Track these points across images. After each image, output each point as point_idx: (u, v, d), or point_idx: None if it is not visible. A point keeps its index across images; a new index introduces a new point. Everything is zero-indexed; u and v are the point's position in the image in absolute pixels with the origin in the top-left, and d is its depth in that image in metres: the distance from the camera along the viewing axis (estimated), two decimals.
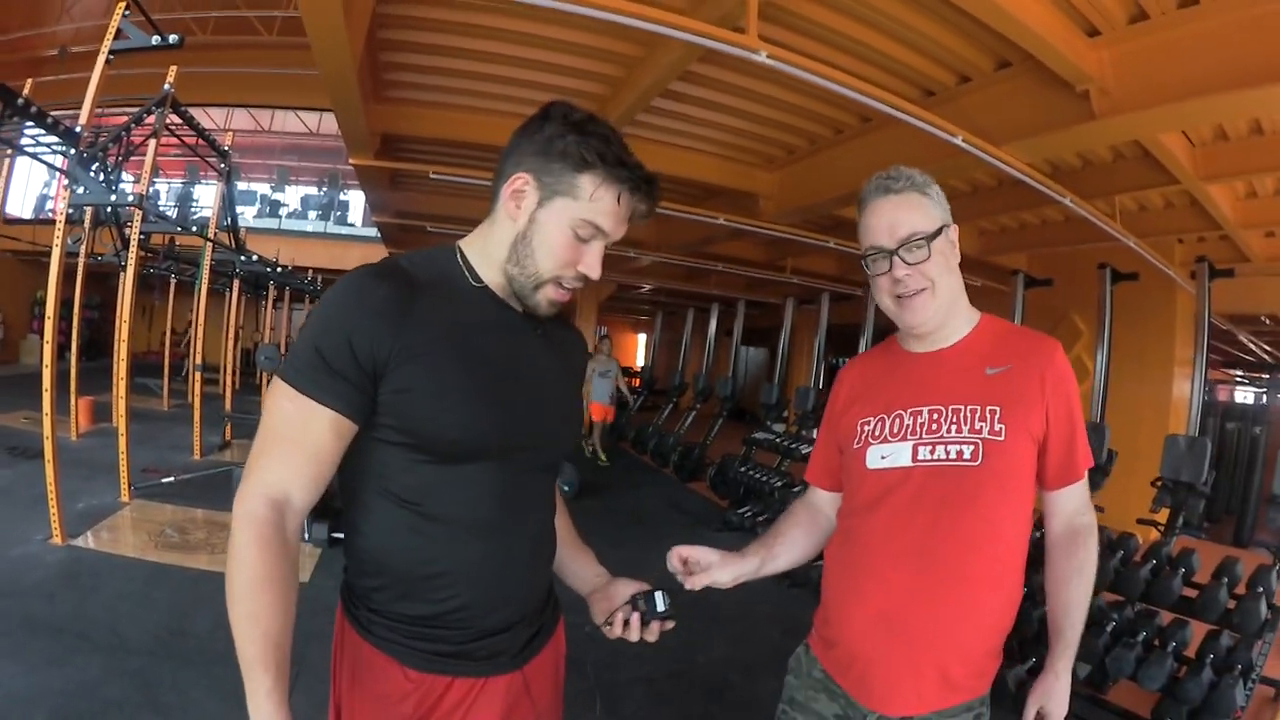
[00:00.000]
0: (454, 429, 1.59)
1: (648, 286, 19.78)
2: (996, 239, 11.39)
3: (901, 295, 2.00)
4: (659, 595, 1.93)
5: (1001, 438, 1.92)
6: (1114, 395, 7.79)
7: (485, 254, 1.74)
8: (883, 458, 2.02)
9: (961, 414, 1.97)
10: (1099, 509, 6.10)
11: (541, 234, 1.66)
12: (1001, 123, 6.11)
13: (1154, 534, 6.14)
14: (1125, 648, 4.84)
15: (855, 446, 2.09)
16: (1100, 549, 5.26)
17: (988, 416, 1.94)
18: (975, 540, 1.93)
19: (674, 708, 4.92)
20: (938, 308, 2.02)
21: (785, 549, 2.27)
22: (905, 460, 1.99)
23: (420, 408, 1.57)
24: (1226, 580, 5.04)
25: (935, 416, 1.99)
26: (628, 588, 1.99)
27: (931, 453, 1.96)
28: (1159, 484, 6.26)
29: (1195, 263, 7.56)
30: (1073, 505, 2.12)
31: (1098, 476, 6.46)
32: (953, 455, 1.94)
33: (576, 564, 2.13)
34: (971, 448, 1.93)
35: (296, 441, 1.55)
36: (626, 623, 1.92)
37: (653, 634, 1.93)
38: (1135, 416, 9.97)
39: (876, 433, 2.05)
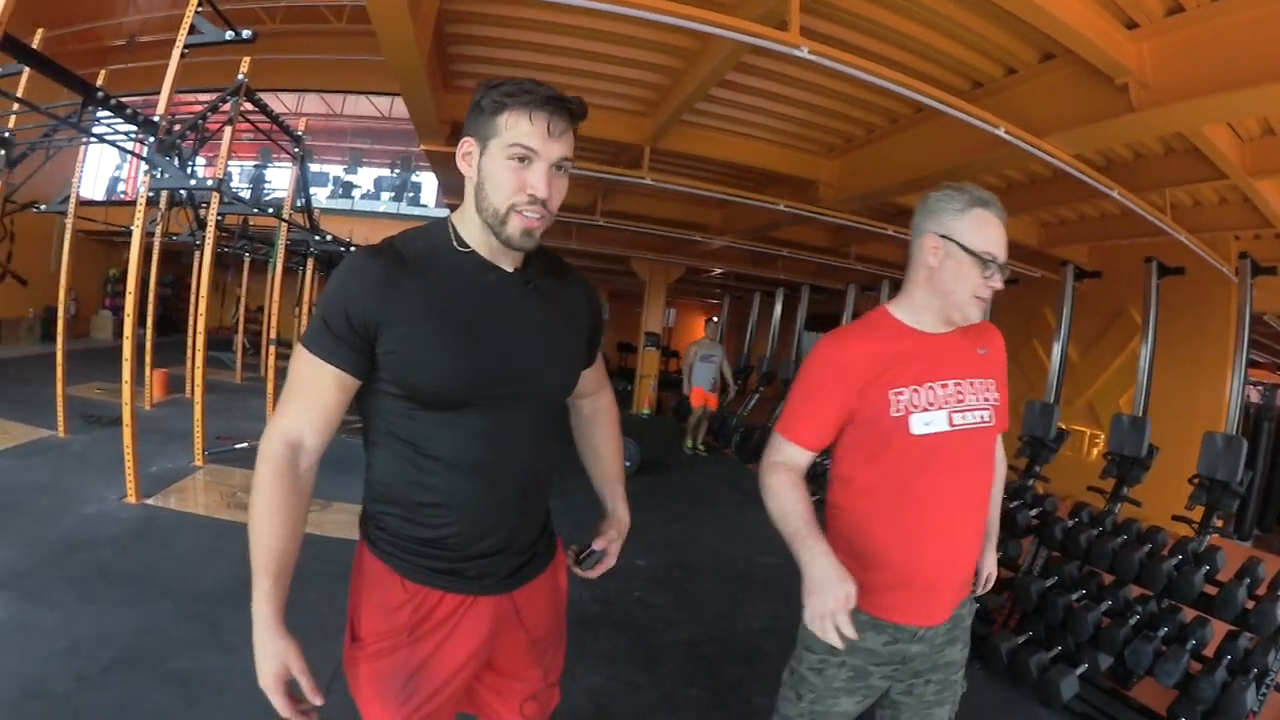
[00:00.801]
0: (433, 383, 1.87)
1: (717, 270, 19.86)
2: (1056, 231, 11.28)
3: (980, 298, 2.38)
4: (574, 550, 2.30)
5: (998, 402, 2.50)
6: (1168, 392, 7.74)
7: (465, 219, 1.97)
8: (926, 424, 2.36)
9: (975, 386, 2.45)
10: (1136, 503, 6.12)
11: (489, 175, 1.87)
12: (1046, 114, 6.10)
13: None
14: (1145, 641, 4.85)
15: (894, 415, 2.35)
16: (1129, 541, 5.36)
17: (989, 387, 2.48)
18: (989, 481, 2.57)
19: (710, 671, 5.07)
20: None
21: None
22: (944, 425, 2.37)
23: (405, 365, 1.86)
24: (1248, 580, 5.02)
25: (959, 388, 2.41)
26: (607, 526, 2.36)
27: (964, 418, 2.40)
28: (1195, 481, 6.27)
29: (1239, 259, 7.52)
30: (999, 446, 2.77)
31: (1137, 471, 6.48)
32: (979, 419, 2.44)
33: (603, 491, 2.47)
34: (988, 412, 2.46)
35: (308, 393, 1.89)
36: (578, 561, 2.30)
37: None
38: (1190, 414, 9.83)
39: (915, 402, 2.35)
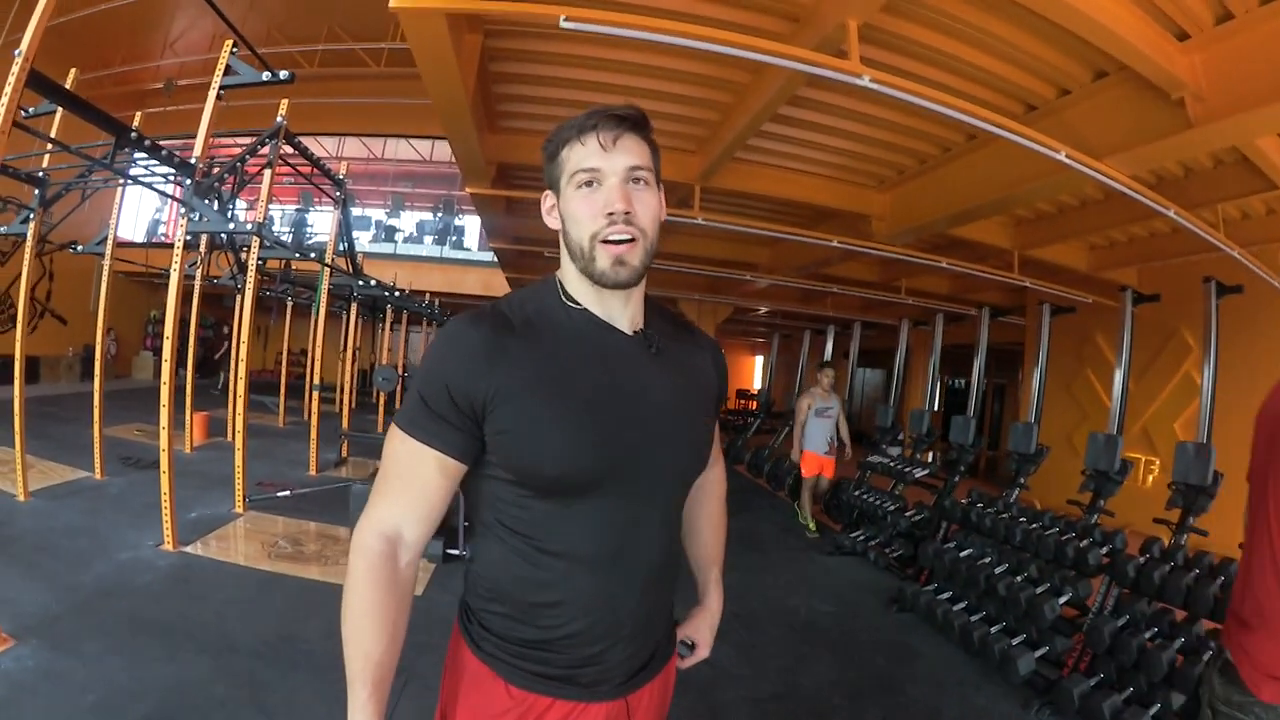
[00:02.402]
0: (553, 467, 1.63)
1: (764, 309, 19.64)
2: (1106, 254, 11.16)
3: None
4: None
5: None
6: (1220, 414, 7.54)
7: (567, 275, 1.79)
8: None
9: None
10: (1203, 533, 5.95)
11: (567, 215, 1.73)
12: (1102, 135, 5.99)
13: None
14: None
15: None
16: (1202, 575, 5.14)
17: None
18: None
19: None
20: None
21: None
22: None
23: (518, 448, 1.63)
24: None
25: None
26: (699, 614, 2.22)
27: None
28: None
29: None
30: None
31: (1203, 500, 6.26)
32: None
33: (697, 573, 2.31)
34: None
35: (407, 480, 1.68)
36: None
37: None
38: (1245, 436, 9.48)
39: None
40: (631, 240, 1.69)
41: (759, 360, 37.62)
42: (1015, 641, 5.59)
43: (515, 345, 1.65)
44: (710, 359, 2.02)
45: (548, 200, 1.80)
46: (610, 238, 1.67)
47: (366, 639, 1.62)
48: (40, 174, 8.59)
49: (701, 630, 2.14)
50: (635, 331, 1.80)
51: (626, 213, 1.67)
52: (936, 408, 13.30)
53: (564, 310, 1.76)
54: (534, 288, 1.82)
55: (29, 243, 8.25)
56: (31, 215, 8.41)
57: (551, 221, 1.80)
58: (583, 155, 1.69)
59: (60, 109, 6.90)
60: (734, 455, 16.40)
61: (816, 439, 10.73)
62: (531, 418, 1.62)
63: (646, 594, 1.80)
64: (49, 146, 7.62)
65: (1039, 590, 5.77)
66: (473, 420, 1.63)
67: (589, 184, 1.69)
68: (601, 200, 1.68)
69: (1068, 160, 5.40)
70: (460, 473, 1.69)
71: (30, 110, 6.78)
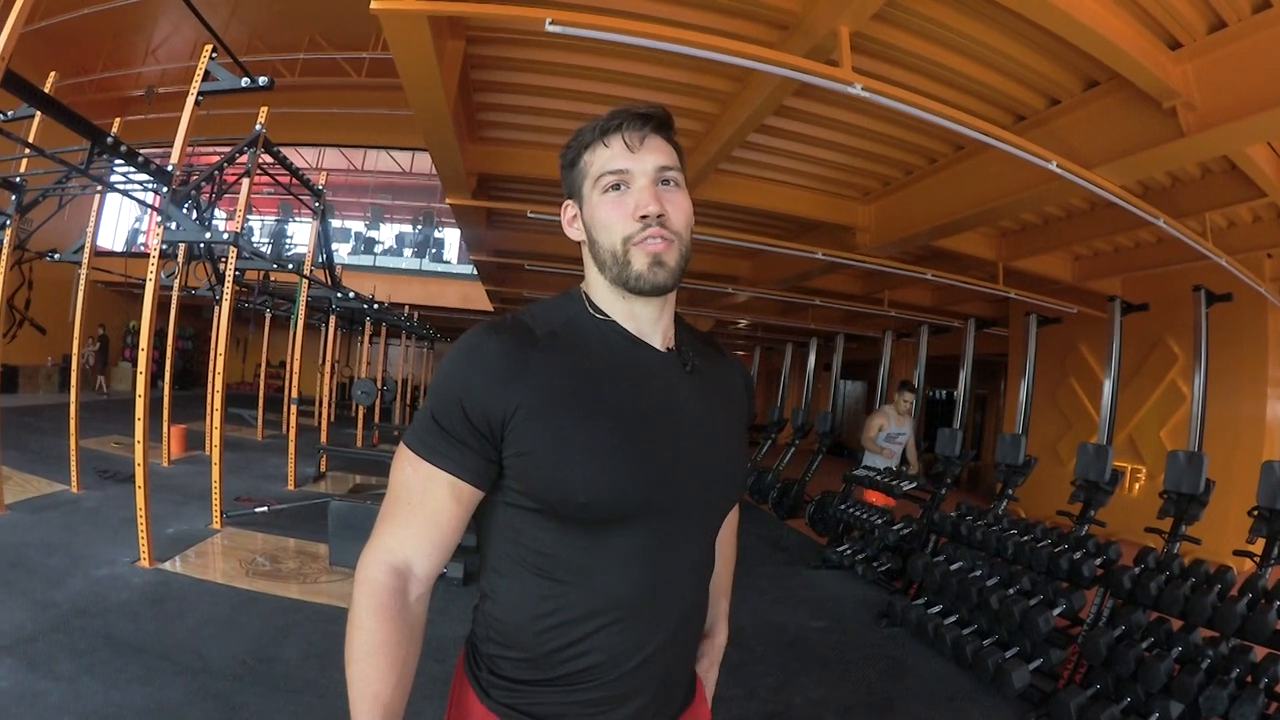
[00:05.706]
0: (584, 492, 1.47)
1: (744, 322, 19.53)
2: (1090, 264, 11.17)
3: None
4: None
5: None
6: (1207, 421, 7.55)
7: (594, 287, 1.67)
8: None
9: None
10: (1195, 541, 5.96)
11: (593, 223, 1.62)
12: (1093, 144, 5.98)
13: (1248, 564, 5.96)
14: (1219, 686, 4.58)
15: None
16: (1199, 584, 5.11)
17: None
18: None
19: None
20: None
21: None
22: None
23: (544, 471, 1.48)
24: None
25: None
26: (705, 650, 2.00)
27: None
28: (1256, 513, 6.05)
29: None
30: None
31: (1195, 508, 6.28)
32: None
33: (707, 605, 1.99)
34: None
35: (416, 507, 1.53)
36: None
37: None
38: (1230, 442, 9.75)
39: None
40: (666, 241, 1.57)
41: None
42: (1009, 654, 5.54)
43: (539, 358, 1.51)
44: (741, 381, 1.91)
45: (569, 211, 1.70)
46: (645, 240, 1.56)
47: (375, 678, 1.46)
48: (17, 179, 8.50)
49: (705, 665, 1.98)
50: (668, 349, 1.68)
51: (660, 215, 1.56)
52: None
53: (591, 322, 1.63)
54: (556, 300, 1.70)
55: (5, 250, 8.14)
56: (8, 222, 8.30)
57: (574, 233, 1.70)
58: (608, 157, 1.58)
59: (38, 113, 6.79)
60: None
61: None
62: (558, 437, 1.47)
63: (680, 639, 1.66)
64: (26, 151, 7.52)
65: (1033, 603, 5.71)
66: (490, 441, 1.49)
67: (616, 187, 1.59)
68: (632, 203, 1.56)
69: (1059, 170, 5.39)
70: (476, 499, 1.55)
71: (8, 114, 6.69)
